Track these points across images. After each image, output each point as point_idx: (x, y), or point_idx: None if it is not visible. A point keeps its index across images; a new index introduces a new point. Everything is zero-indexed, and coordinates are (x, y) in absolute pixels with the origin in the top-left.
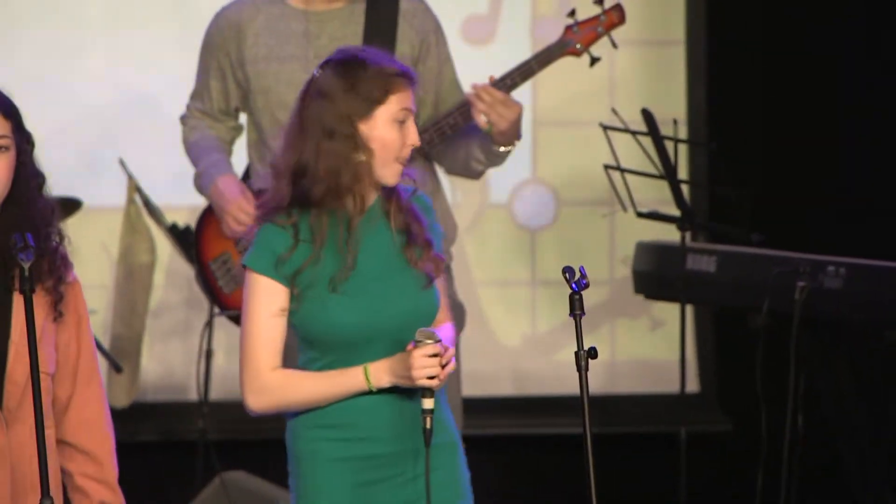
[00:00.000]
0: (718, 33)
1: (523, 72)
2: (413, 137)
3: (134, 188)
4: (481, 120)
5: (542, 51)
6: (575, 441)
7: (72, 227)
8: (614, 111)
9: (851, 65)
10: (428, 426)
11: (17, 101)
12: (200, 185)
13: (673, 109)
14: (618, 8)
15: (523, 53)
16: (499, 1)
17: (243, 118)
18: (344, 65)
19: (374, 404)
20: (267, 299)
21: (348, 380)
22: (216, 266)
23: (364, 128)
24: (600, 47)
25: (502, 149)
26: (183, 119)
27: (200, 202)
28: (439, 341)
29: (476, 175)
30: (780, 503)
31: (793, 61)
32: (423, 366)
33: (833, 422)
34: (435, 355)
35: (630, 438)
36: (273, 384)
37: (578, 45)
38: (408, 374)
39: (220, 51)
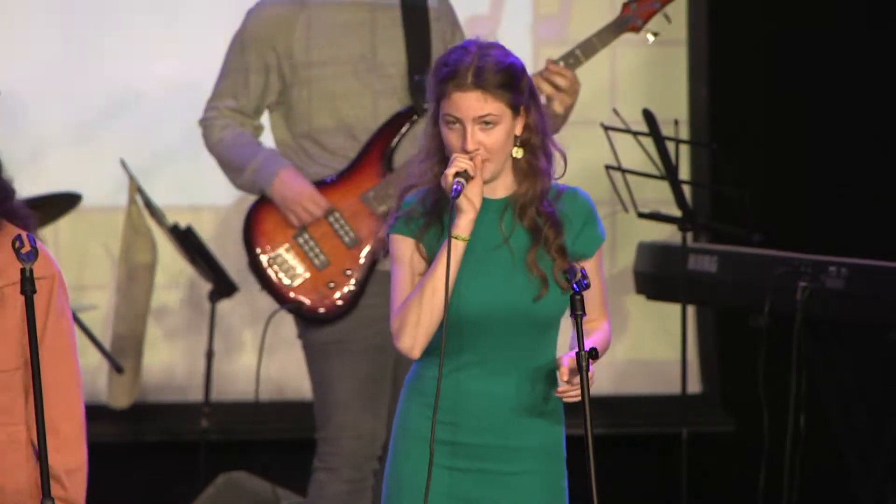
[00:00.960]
0: (720, 34)
1: (586, 50)
2: (466, 142)
3: (135, 189)
4: (557, 106)
5: (603, 28)
6: (576, 442)
7: (73, 227)
8: (615, 111)
9: (853, 65)
10: (454, 181)
11: (19, 102)
12: (254, 179)
13: (674, 110)
14: None
15: (524, 53)
16: (500, 1)
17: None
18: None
19: (475, 394)
20: (399, 255)
21: (437, 258)
22: (276, 260)
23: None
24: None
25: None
26: (207, 120)
27: (201, 202)
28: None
29: None
30: (781, 503)
31: (794, 61)
32: (454, 162)
33: (835, 422)
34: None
35: (632, 439)
36: (397, 315)
37: (639, 22)
38: (447, 180)
39: (266, 45)
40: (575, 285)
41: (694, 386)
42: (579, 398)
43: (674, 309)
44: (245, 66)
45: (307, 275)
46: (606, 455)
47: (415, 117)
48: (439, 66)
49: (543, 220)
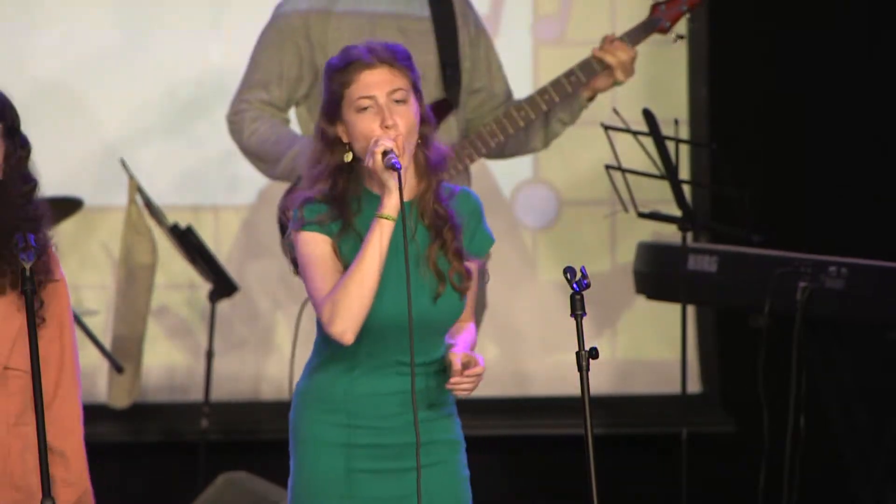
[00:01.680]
0: (720, 33)
1: (633, 40)
2: (385, 117)
3: (135, 188)
4: (620, 76)
5: (633, 29)
6: (576, 441)
7: (73, 227)
8: (616, 111)
9: (853, 65)
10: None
11: (19, 101)
12: (294, 165)
13: (674, 109)
14: None
15: (524, 53)
16: (500, 1)
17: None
18: None
19: (377, 394)
20: (313, 247)
21: (368, 239)
22: None
23: (341, 128)
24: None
25: (588, 102)
26: (237, 114)
27: (202, 202)
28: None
29: (551, 140)
30: (782, 502)
31: (794, 61)
32: (378, 139)
33: (835, 422)
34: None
35: (632, 439)
36: (327, 303)
37: (668, 24)
38: (374, 155)
39: (300, 35)
40: (575, 285)
41: (694, 386)
42: (469, 392)
43: (674, 309)
44: (279, 58)
45: None
46: (606, 455)
47: (450, 110)
48: (330, 65)
49: (442, 221)
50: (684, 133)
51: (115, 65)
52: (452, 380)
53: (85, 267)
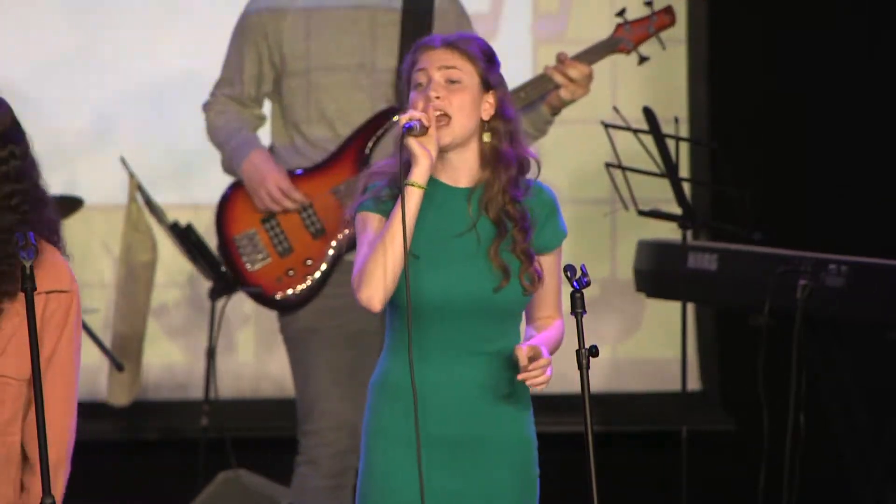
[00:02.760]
0: (720, 32)
1: (589, 59)
2: (430, 89)
3: (135, 186)
4: (566, 94)
5: (593, 47)
6: (576, 439)
7: (73, 225)
8: (616, 109)
9: (853, 64)
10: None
11: (19, 100)
12: (231, 161)
13: (674, 108)
14: (669, 10)
15: (525, 52)
16: (500, 0)
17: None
18: None
19: (439, 384)
20: (371, 225)
21: (397, 208)
22: (241, 242)
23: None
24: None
25: (551, 116)
26: (206, 106)
27: (202, 200)
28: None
29: None
30: (781, 502)
31: (794, 60)
32: (411, 111)
33: (835, 421)
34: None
35: (631, 437)
36: (358, 272)
37: (631, 45)
38: (411, 128)
39: (258, 33)
40: (575, 283)
41: (694, 384)
42: (542, 385)
43: (674, 307)
44: (240, 55)
45: (269, 260)
46: (606, 453)
47: (396, 117)
48: (408, 53)
49: (512, 218)
50: (684, 131)
51: (115, 64)
52: (521, 374)
53: (85, 265)
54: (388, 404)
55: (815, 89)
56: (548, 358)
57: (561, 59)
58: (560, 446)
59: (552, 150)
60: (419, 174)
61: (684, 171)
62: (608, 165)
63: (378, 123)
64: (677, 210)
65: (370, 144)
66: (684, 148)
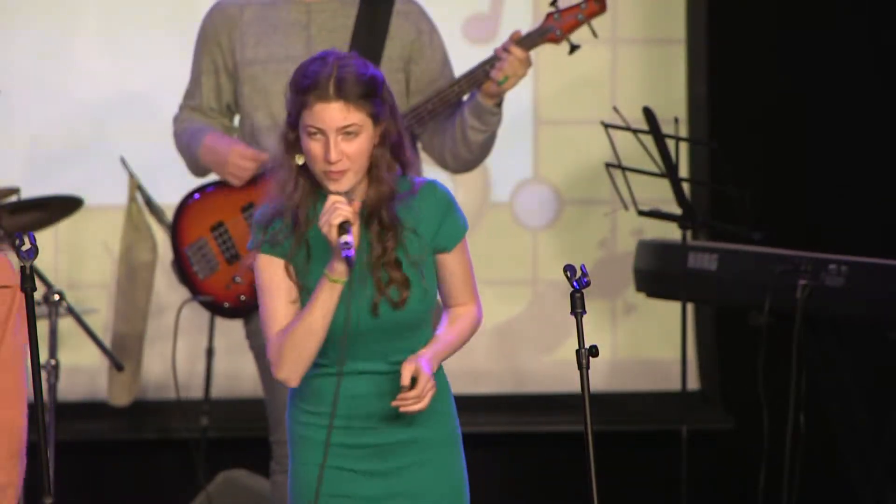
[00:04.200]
0: (719, 31)
1: (529, 44)
2: (328, 153)
3: (135, 186)
4: (497, 74)
5: (524, 37)
6: (576, 439)
7: (73, 225)
8: (615, 109)
9: (854, 63)
10: (352, 254)
11: (18, 99)
12: (191, 158)
13: (674, 108)
14: None
15: None
16: (500, 1)
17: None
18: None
19: (360, 393)
20: (267, 273)
21: (316, 295)
22: (192, 252)
23: (296, 133)
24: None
25: (492, 104)
26: (174, 119)
27: None
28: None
29: (471, 151)
30: (781, 502)
31: (794, 59)
32: (328, 210)
33: (835, 420)
34: (335, 203)
35: (631, 436)
36: (275, 347)
37: (558, 32)
38: (327, 225)
39: (213, 44)
40: (575, 283)
41: (694, 383)
42: (419, 409)
43: (674, 307)
44: (199, 66)
45: (218, 268)
46: (606, 452)
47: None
48: (298, 77)
49: (386, 229)
50: (684, 131)
51: (115, 63)
52: (398, 397)
53: (85, 265)
54: (309, 416)
55: (815, 89)
56: (426, 375)
57: (511, 37)
58: (560, 446)
59: (552, 150)
60: (342, 272)
61: (684, 171)
62: (608, 165)
63: None
64: (677, 210)
65: None
66: (684, 148)
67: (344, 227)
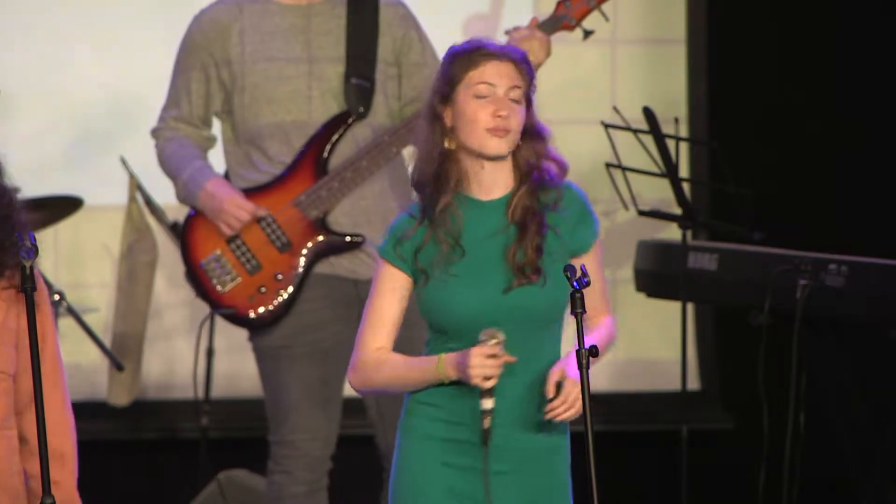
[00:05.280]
0: (719, 32)
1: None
2: (500, 108)
3: (135, 186)
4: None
5: (545, 23)
6: (576, 438)
7: (73, 225)
8: (616, 109)
9: (853, 63)
10: (486, 426)
11: (18, 99)
12: (186, 193)
13: (674, 108)
14: None
15: None
16: (500, 0)
17: (216, 129)
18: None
19: (467, 390)
20: (383, 281)
21: (425, 367)
22: (208, 266)
23: (448, 111)
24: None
25: None
26: (155, 132)
27: None
28: (501, 342)
29: None
30: (781, 501)
31: (794, 59)
32: (480, 364)
33: (835, 420)
34: (493, 356)
35: (631, 436)
36: (367, 362)
37: (573, 21)
38: (465, 372)
39: (204, 52)
40: (575, 283)
41: (694, 383)
42: (570, 417)
43: (674, 307)
44: (187, 75)
45: (239, 280)
46: (606, 452)
47: (350, 120)
48: (454, 50)
49: (530, 216)
50: (684, 131)
51: (115, 63)
52: (548, 407)
53: (85, 265)
54: (422, 407)
55: (815, 89)
56: (572, 385)
57: (530, 23)
58: None
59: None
60: (453, 375)
61: (684, 171)
62: (608, 165)
63: (332, 129)
64: (677, 210)
65: (326, 151)
66: (684, 148)
67: (490, 392)
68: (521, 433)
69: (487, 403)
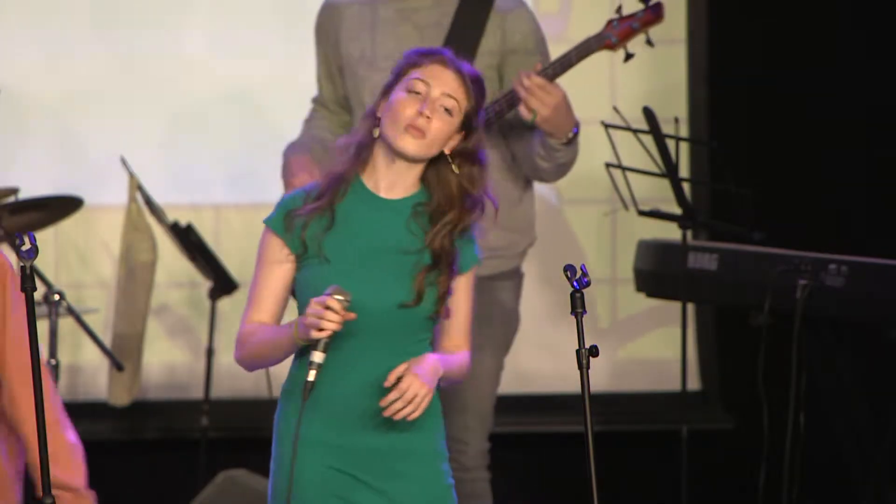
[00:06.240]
0: (720, 32)
1: (563, 63)
2: (425, 108)
3: (135, 186)
4: (523, 111)
5: (582, 43)
6: (576, 439)
7: (73, 225)
8: (616, 109)
9: (854, 63)
10: (309, 378)
11: (19, 98)
12: (284, 164)
13: (674, 107)
14: (657, 7)
15: None
16: None
17: None
18: None
19: (351, 393)
20: (266, 253)
21: (284, 331)
22: None
23: (383, 102)
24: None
25: (555, 142)
26: (305, 120)
27: (202, 200)
28: (346, 300)
29: (543, 173)
30: (781, 501)
31: (794, 59)
32: (315, 313)
33: (835, 420)
34: (331, 309)
35: (631, 436)
36: (243, 334)
37: (615, 39)
38: (303, 324)
39: (324, 36)
40: (575, 283)
41: (694, 383)
42: (408, 414)
43: (674, 307)
44: (318, 60)
45: None
46: (606, 452)
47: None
48: (412, 52)
49: (448, 256)
50: (684, 131)
51: (115, 62)
52: (383, 401)
53: (85, 265)
54: (296, 411)
55: (815, 89)
56: (409, 383)
57: (527, 75)
58: (560, 446)
59: None
60: (304, 339)
61: (684, 170)
62: (608, 165)
63: None
64: (677, 210)
65: None
66: (684, 148)
67: (325, 345)
68: (396, 433)
69: (316, 357)
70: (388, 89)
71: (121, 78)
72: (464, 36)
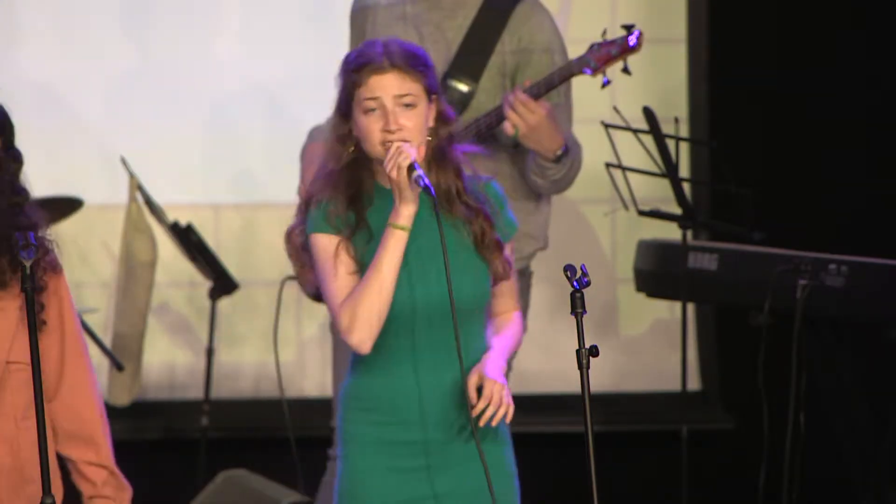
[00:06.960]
0: (720, 31)
1: (546, 83)
2: (387, 123)
3: (135, 186)
4: (507, 126)
5: (564, 66)
6: (576, 439)
7: (73, 225)
8: (616, 109)
9: (854, 62)
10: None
11: (18, 100)
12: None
13: (674, 107)
14: (634, 35)
15: None
16: None
17: None
18: None
19: (411, 390)
20: (323, 252)
21: (384, 242)
22: None
23: (351, 124)
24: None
25: (542, 160)
26: None
27: (202, 200)
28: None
29: (540, 188)
30: (781, 501)
31: (794, 59)
32: (393, 164)
33: (835, 420)
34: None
35: (631, 436)
36: (345, 303)
37: (593, 64)
38: (395, 190)
39: (356, 28)
40: (575, 283)
41: (694, 383)
42: (499, 418)
43: (674, 307)
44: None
45: None
46: (606, 452)
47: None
48: (346, 62)
49: (475, 214)
50: (684, 131)
51: (116, 63)
52: (475, 412)
53: (85, 265)
54: (361, 414)
55: (815, 89)
56: (491, 385)
57: (515, 94)
58: (560, 446)
59: None
60: (407, 216)
61: (684, 170)
62: (608, 165)
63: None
64: (677, 210)
65: None
66: (684, 148)
67: (413, 167)
68: (449, 433)
69: (416, 173)
70: (341, 107)
71: (121, 78)
72: (482, 37)
